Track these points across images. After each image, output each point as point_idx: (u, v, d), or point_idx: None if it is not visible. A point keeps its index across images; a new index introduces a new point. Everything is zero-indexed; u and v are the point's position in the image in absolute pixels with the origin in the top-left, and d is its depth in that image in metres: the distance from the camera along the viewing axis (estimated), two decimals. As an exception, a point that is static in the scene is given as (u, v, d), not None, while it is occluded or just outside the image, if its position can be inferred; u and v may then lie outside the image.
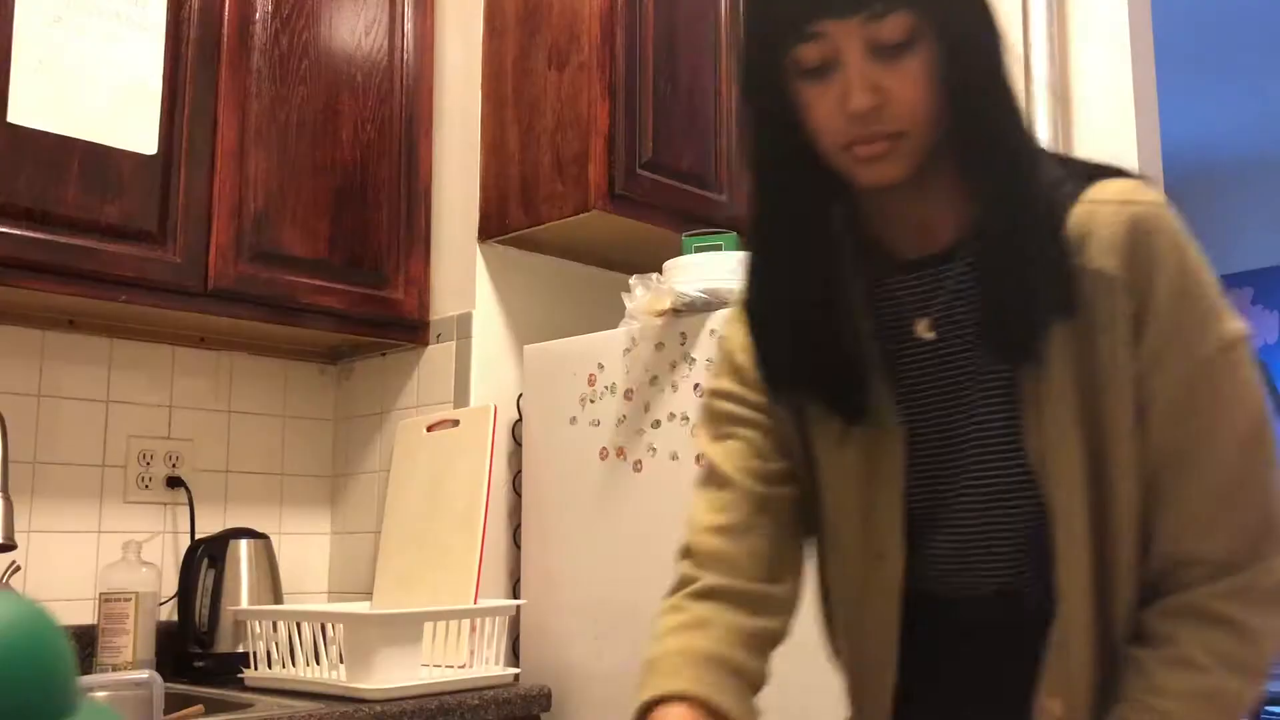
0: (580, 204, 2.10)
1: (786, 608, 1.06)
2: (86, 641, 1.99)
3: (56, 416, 2.10)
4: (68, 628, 1.65)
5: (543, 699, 1.93)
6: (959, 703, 1.04)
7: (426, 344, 2.31)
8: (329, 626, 1.85)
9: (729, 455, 1.08)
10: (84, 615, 2.05)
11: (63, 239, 1.81)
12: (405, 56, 2.32)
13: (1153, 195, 0.97)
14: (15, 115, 1.78)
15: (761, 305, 1.07)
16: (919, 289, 1.02)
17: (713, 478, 1.09)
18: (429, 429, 2.17)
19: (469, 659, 1.92)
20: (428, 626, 1.86)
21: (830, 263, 1.02)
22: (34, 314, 2.05)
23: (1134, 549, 0.95)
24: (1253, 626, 0.91)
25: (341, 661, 1.81)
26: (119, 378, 2.19)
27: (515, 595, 2.13)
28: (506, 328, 2.27)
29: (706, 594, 1.02)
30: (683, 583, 1.05)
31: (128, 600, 1.97)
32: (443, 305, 2.31)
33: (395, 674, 1.77)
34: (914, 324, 1.02)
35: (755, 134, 1.03)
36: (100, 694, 1.58)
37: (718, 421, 1.11)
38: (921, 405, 1.02)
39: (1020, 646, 0.98)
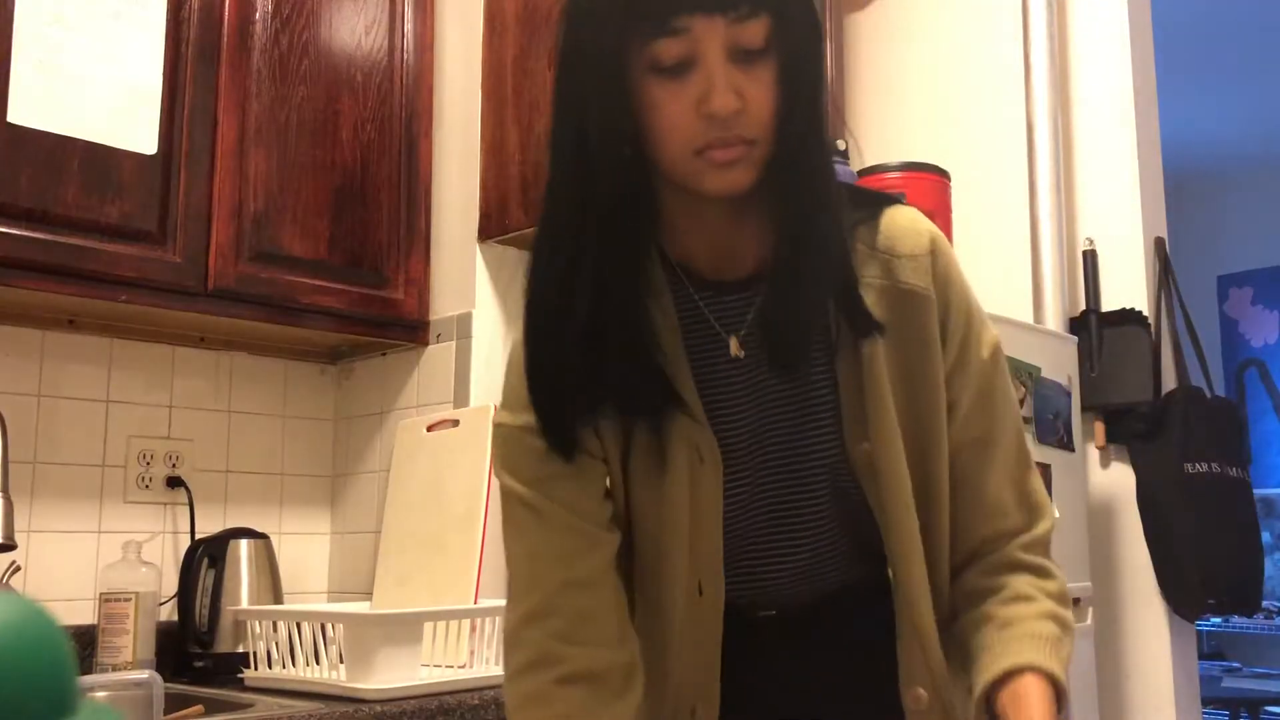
0: (580, 204, 2.10)
1: (639, 671, 1.01)
2: (86, 641, 1.99)
3: (56, 416, 2.10)
4: (68, 628, 1.65)
5: (543, 699, 1.93)
6: (809, 709, 1.07)
7: (426, 344, 2.31)
8: (329, 626, 1.85)
9: (561, 497, 1.01)
10: (84, 615, 2.05)
11: (63, 239, 1.81)
12: (405, 56, 2.32)
13: (930, 222, 1.07)
14: (15, 115, 1.78)
15: (556, 317, 0.98)
16: (730, 309, 1.02)
17: (547, 523, 1.01)
18: (429, 429, 2.17)
19: (469, 659, 1.92)
20: (428, 626, 1.86)
21: (636, 275, 0.97)
22: (34, 314, 2.05)
23: (947, 531, 1.05)
24: (1050, 567, 1.06)
25: (341, 661, 1.81)
26: (119, 377, 2.19)
27: (515, 595, 2.13)
28: (506, 328, 2.27)
29: (575, 680, 0.97)
30: (545, 660, 0.98)
31: (128, 600, 1.97)
32: (443, 305, 2.31)
33: (395, 674, 1.77)
34: (726, 342, 1.02)
35: (578, 129, 0.95)
36: (100, 694, 1.58)
37: (533, 460, 1.01)
38: (734, 421, 1.02)
39: (859, 646, 1.05)
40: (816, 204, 0.97)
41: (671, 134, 0.91)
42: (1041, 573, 1.04)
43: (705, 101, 0.89)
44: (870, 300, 1.00)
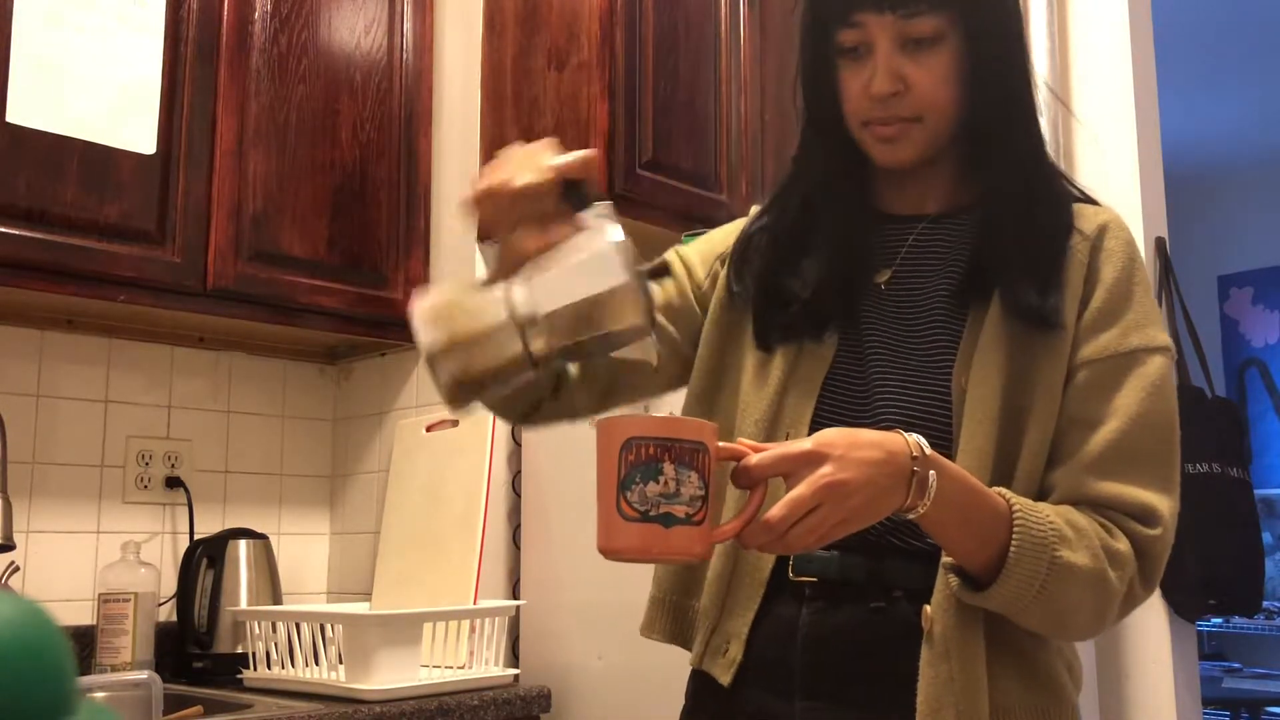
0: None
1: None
2: (86, 642, 1.99)
3: (55, 417, 2.10)
4: (67, 628, 1.65)
5: (542, 699, 1.93)
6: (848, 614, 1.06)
7: (426, 344, 2.31)
8: (328, 627, 1.85)
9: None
10: (83, 616, 2.05)
11: (61, 239, 1.81)
12: (405, 56, 2.32)
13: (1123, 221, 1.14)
14: (14, 115, 1.77)
15: (779, 225, 1.18)
16: (888, 242, 1.15)
17: None
18: (428, 429, 2.17)
19: (469, 660, 1.91)
20: (427, 627, 1.86)
21: (835, 209, 1.14)
22: (33, 314, 2.05)
23: (1026, 488, 1.02)
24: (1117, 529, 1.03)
25: (341, 662, 1.81)
26: (118, 378, 2.19)
27: (515, 595, 2.13)
28: (506, 328, 2.26)
29: None
30: None
31: (127, 601, 1.96)
32: (442, 305, 2.30)
33: (394, 675, 1.77)
34: (877, 272, 1.13)
35: (804, 96, 1.16)
36: (99, 694, 1.57)
37: (662, 267, 1.23)
38: (860, 339, 1.11)
39: (904, 570, 1.04)
40: (1030, 160, 1.10)
41: (848, 107, 1.10)
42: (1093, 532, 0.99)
43: (869, 84, 1.06)
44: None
